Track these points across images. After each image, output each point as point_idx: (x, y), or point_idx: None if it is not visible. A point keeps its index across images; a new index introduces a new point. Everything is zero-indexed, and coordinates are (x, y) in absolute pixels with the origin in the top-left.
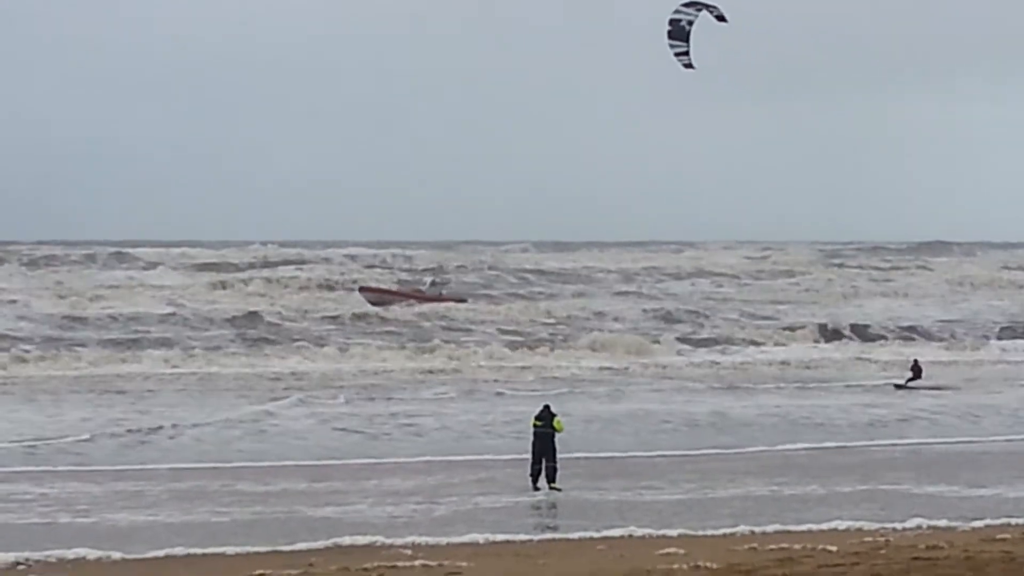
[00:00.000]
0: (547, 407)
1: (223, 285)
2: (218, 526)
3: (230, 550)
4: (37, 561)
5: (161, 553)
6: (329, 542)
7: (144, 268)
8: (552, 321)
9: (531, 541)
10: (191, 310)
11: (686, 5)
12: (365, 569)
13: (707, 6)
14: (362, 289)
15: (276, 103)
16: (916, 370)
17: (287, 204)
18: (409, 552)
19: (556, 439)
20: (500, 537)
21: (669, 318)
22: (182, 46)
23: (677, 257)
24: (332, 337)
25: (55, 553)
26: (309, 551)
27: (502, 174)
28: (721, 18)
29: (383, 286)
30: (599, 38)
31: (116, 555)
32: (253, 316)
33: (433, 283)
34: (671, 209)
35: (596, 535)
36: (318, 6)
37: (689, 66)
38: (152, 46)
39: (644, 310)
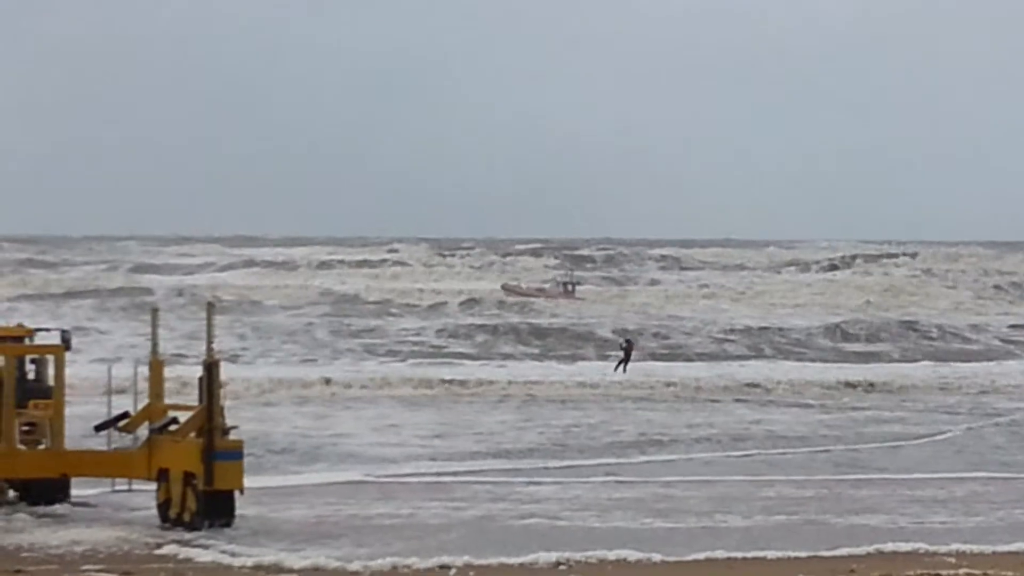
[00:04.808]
0: None
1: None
2: (759, 531)
3: (771, 554)
4: (578, 561)
5: (702, 556)
6: (871, 548)
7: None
8: None
9: None
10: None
11: None
12: None
13: None
14: (503, 287)
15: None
16: (627, 351)
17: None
18: (952, 560)
19: None
20: None
21: None
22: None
23: None
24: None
25: (596, 554)
26: (850, 557)
27: None
28: None
29: (520, 285)
30: None
31: (656, 557)
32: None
33: (558, 282)
34: None
35: None
36: None
37: None
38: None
39: None
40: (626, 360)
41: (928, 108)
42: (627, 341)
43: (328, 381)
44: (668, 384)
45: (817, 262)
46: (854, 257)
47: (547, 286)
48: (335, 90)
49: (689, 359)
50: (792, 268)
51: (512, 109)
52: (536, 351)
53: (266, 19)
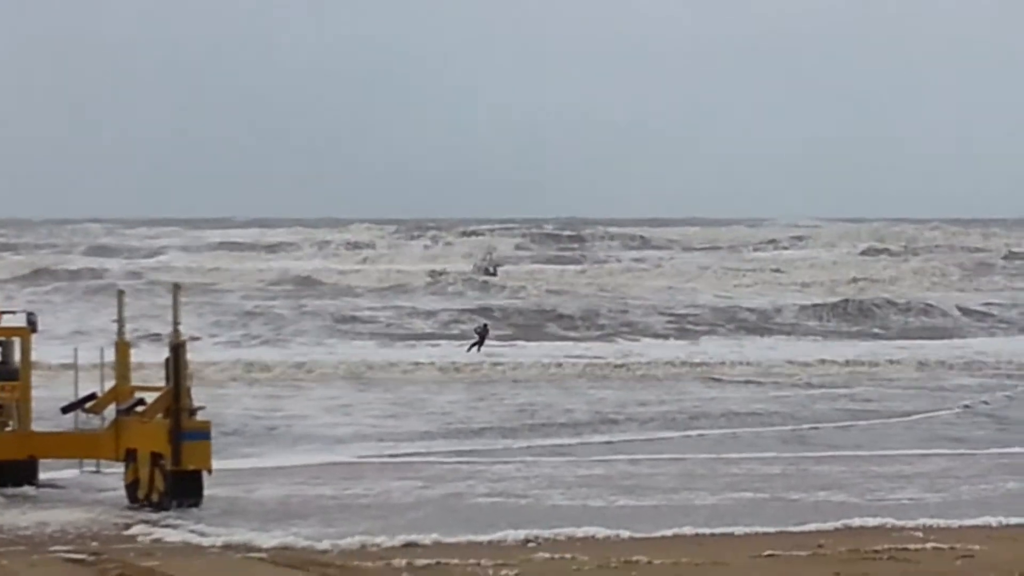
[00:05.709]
0: None
1: None
2: (726, 507)
3: (739, 530)
4: (546, 539)
5: (670, 532)
6: (839, 524)
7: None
8: None
9: None
10: None
11: None
12: (875, 551)
13: None
14: (430, 273)
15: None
16: (482, 333)
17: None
18: (920, 535)
19: None
20: (1014, 520)
21: None
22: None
23: None
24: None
25: (564, 531)
26: (818, 532)
27: None
28: None
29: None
30: None
31: (625, 534)
32: None
33: (477, 267)
34: None
35: None
36: None
37: None
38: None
39: None
40: (480, 343)
41: (926, 102)
42: (483, 326)
43: (300, 364)
44: (628, 362)
45: (785, 239)
46: (822, 233)
47: (469, 269)
48: (326, 81)
49: (657, 335)
50: (764, 245)
51: (498, 91)
52: (501, 331)
53: (266, 19)
